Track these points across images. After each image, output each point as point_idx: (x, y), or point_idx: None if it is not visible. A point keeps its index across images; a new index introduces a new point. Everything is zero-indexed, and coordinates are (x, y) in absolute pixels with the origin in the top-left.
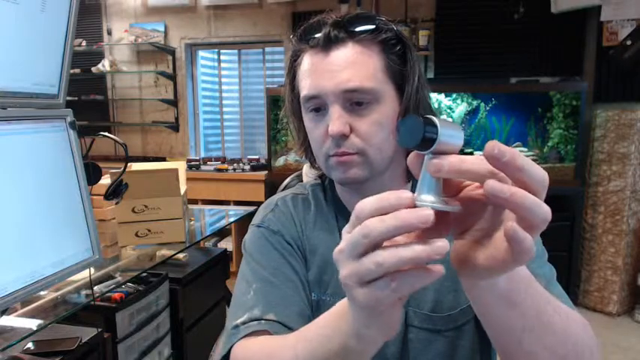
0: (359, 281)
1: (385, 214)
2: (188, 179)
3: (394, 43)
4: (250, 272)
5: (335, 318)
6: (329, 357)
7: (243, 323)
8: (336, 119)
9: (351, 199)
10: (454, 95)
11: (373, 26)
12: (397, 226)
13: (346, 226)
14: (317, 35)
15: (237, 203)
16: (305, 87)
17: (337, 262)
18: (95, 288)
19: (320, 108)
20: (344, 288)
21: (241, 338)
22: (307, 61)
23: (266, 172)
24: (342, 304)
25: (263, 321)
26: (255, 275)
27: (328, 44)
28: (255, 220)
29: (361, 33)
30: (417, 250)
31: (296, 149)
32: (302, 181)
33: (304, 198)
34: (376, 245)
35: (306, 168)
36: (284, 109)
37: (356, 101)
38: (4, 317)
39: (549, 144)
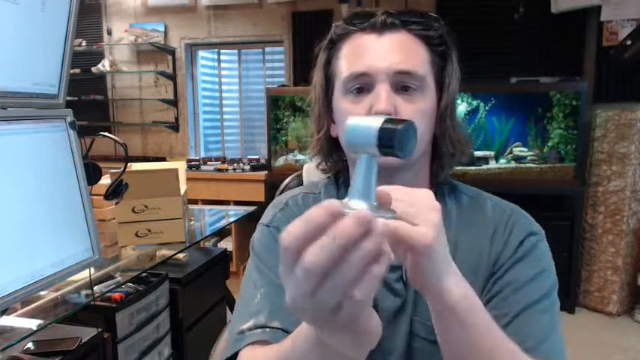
0: (328, 311)
1: (318, 234)
2: (188, 179)
3: (439, 42)
4: (258, 274)
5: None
6: None
7: (249, 329)
8: (385, 98)
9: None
10: None
11: (423, 19)
12: (341, 246)
13: (280, 266)
14: (371, 19)
15: (237, 203)
16: (351, 65)
17: (297, 312)
18: (95, 288)
19: (363, 88)
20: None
21: (245, 346)
22: (355, 42)
23: (266, 172)
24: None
25: (267, 329)
26: (263, 278)
27: (383, 28)
28: (264, 219)
29: (413, 23)
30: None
31: (311, 145)
32: (302, 181)
33: (316, 197)
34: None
35: (306, 167)
36: (308, 98)
37: (403, 85)
38: (4, 317)
39: (549, 144)
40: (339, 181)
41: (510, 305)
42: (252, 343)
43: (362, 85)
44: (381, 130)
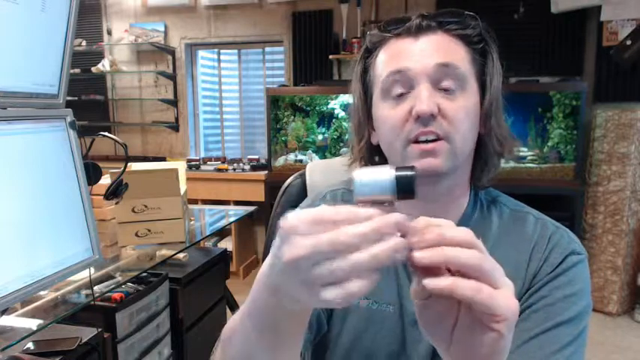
0: (312, 264)
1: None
2: (188, 179)
3: (478, 40)
4: None
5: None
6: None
7: None
8: (427, 97)
9: (414, 206)
10: None
11: (459, 19)
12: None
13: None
14: (406, 24)
15: (237, 203)
16: (389, 66)
17: (286, 236)
18: (95, 288)
19: (402, 93)
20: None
21: None
22: (391, 47)
23: (266, 172)
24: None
25: None
26: None
27: (418, 31)
28: (303, 204)
29: (449, 23)
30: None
31: (351, 154)
32: (305, 181)
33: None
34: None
35: (309, 167)
36: (349, 108)
37: (444, 87)
38: (4, 317)
39: (549, 144)
40: None
41: (538, 320)
42: None
43: (402, 90)
44: (398, 178)
